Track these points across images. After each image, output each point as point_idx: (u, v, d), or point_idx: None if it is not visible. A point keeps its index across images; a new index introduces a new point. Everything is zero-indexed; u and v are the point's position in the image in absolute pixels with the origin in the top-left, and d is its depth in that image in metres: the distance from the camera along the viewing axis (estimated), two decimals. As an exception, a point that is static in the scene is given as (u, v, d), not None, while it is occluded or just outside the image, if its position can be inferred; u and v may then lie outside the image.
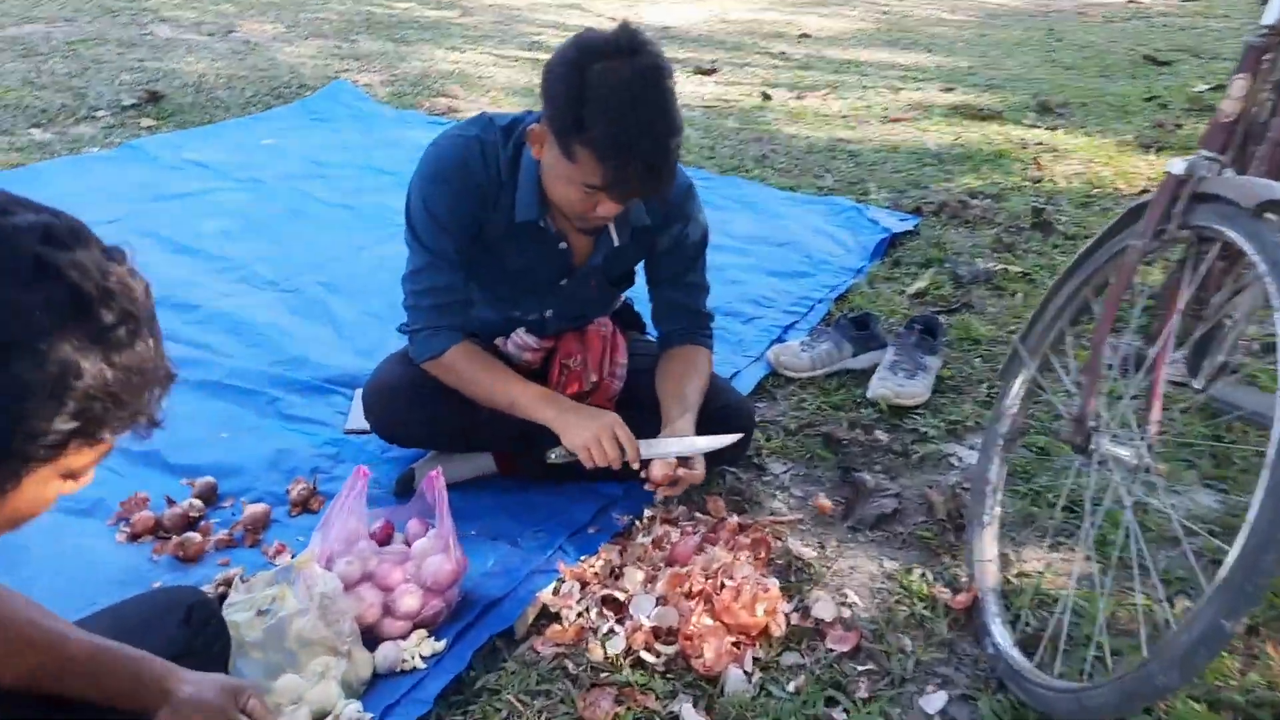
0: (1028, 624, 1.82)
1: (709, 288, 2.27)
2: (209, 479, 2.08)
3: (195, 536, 1.90)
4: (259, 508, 2.01)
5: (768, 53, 6.75)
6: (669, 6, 8.34)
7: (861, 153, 4.63)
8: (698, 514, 2.12)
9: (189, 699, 1.23)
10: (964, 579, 1.96)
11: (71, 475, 0.96)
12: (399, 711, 1.60)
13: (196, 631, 1.46)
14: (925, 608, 1.90)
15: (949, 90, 5.75)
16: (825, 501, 2.19)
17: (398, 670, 1.68)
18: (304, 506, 2.05)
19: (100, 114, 4.38)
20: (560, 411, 1.94)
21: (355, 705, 1.60)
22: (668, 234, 2.12)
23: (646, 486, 1.98)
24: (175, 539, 1.90)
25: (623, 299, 2.43)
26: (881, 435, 2.45)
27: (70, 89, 4.66)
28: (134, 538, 1.93)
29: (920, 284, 3.27)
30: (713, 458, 2.23)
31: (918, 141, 4.74)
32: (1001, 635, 1.78)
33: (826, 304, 3.12)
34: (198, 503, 2.01)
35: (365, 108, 4.71)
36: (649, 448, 1.95)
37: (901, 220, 3.75)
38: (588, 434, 1.90)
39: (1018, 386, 2.01)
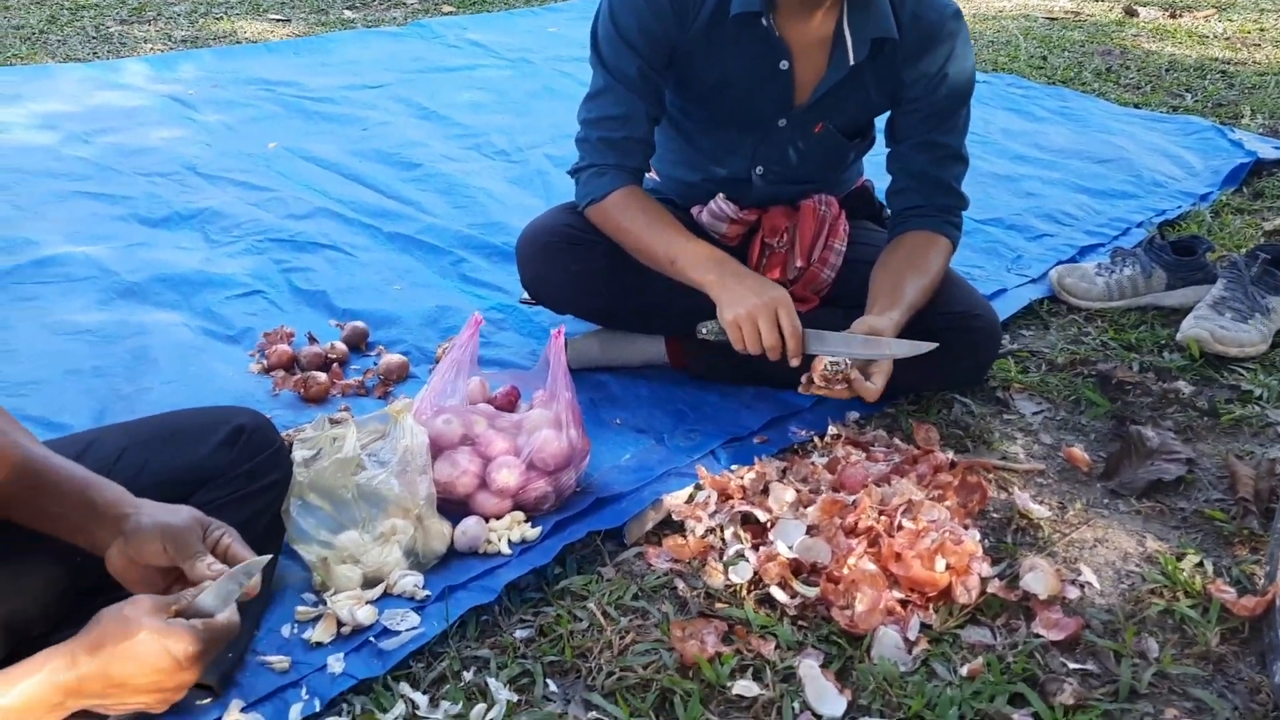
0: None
1: (967, 160, 1.78)
2: (360, 324, 1.91)
3: (320, 376, 1.73)
4: (396, 358, 1.81)
5: (1144, -29, 5.73)
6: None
7: (1240, 73, 3.73)
8: (898, 442, 1.66)
9: (146, 526, 1.00)
10: (1261, 580, 1.37)
11: None
12: (460, 596, 1.32)
13: (242, 456, 1.26)
14: (1193, 606, 1.35)
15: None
16: (1081, 454, 1.65)
17: (478, 551, 1.41)
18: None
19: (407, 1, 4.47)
20: (722, 276, 1.56)
21: (415, 579, 1.34)
22: (920, 67, 1.66)
23: (800, 389, 1.55)
24: (300, 375, 1.75)
25: (860, 179, 1.98)
26: (1184, 387, 1.84)
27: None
28: (267, 370, 1.80)
29: (1285, 219, 2.50)
30: (932, 377, 1.76)
31: (1323, 66, 3.75)
32: (1305, 666, 1.20)
33: (1147, 230, 2.46)
34: (341, 346, 1.85)
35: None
36: (818, 340, 1.52)
37: (1277, 148, 2.93)
38: (744, 309, 1.50)
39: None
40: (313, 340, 1.86)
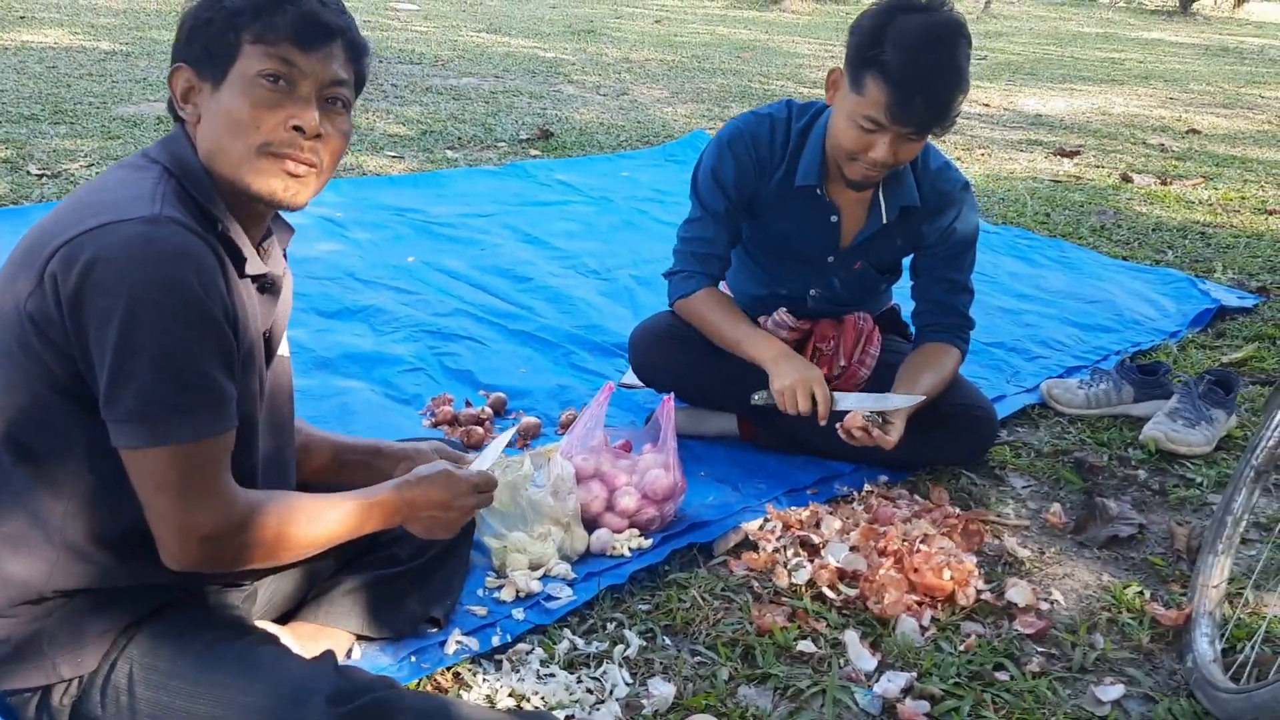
0: (1242, 653, 1.70)
1: (972, 291, 2.33)
2: (502, 394, 2.48)
3: (478, 429, 2.29)
4: (533, 419, 2.37)
5: (1143, 143, 6.45)
6: (1046, 97, 8.20)
7: (1218, 235, 4.34)
8: (918, 498, 2.19)
9: (424, 447, 1.58)
10: (1184, 602, 1.87)
11: (267, 81, 1.19)
12: (598, 580, 1.84)
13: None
14: (1132, 618, 1.84)
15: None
16: (1057, 516, 2.17)
17: (607, 553, 1.93)
18: (567, 428, 2.38)
19: (500, 144, 5.19)
20: (775, 355, 2.11)
21: (565, 566, 1.87)
22: (936, 224, 2.22)
23: (840, 433, 2.07)
24: (464, 428, 2.30)
25: (890, 303, 2.55)
26: (1142, 473, 2.36)
27: (483, 125, 5.56)
28: (436, 424, 2.36)
29: (1239, 354, 3.05)
30: (943, 455, 2.29)
31: (1290, 231, 4.36)
32: (1205, 652, 1.69)
33: (1123, 357, 3.01)
34: (489, 409, 2.41)
35: (718, 156, 5.17)
36: (842, 400, 2.06)
37: (1240, 298, 3.50)
38: (789, 380, 2.05)
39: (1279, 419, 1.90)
40: (468, 405, 2.43)
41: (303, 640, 1.51)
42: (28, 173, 3.97)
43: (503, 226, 3.80)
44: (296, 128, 1.22)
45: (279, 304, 1.38)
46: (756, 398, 2.12)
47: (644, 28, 11.06)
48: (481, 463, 1.54)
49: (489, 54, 8.11)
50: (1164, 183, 5.32)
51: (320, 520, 1.30)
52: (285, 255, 1.43)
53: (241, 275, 1.26)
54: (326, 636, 1.57)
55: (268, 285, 1.33)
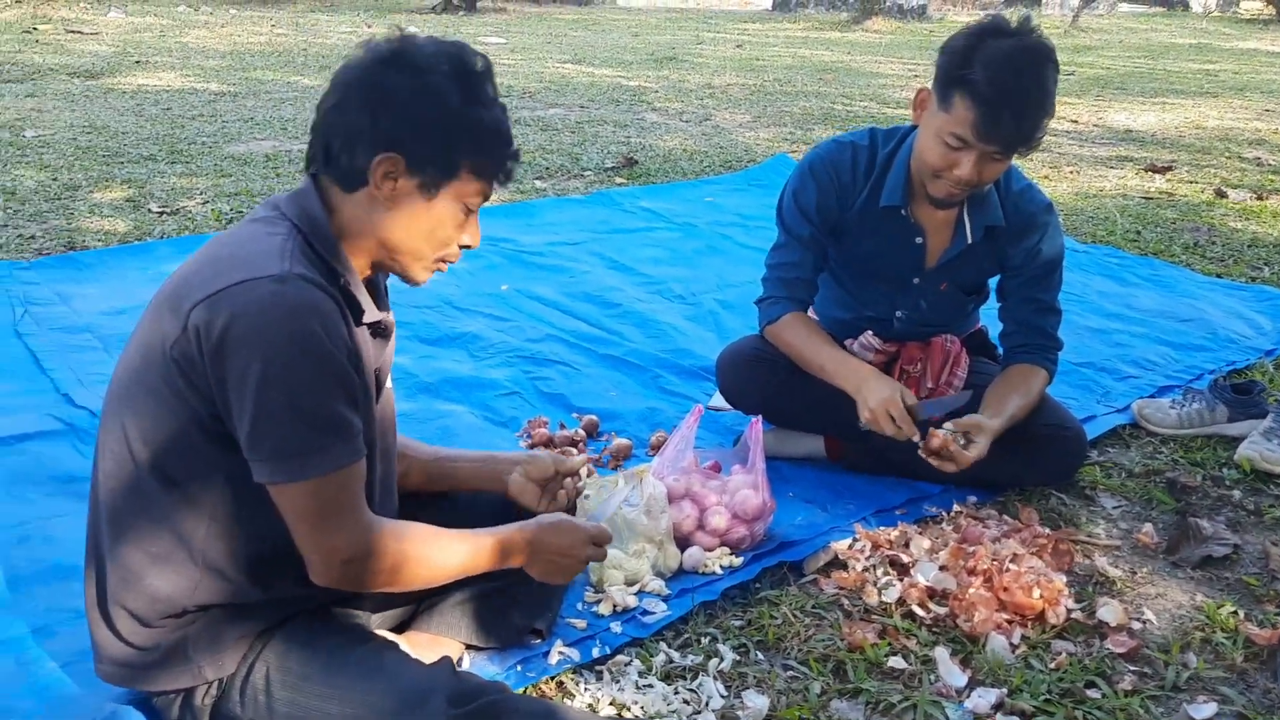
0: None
1: (1060, 311, 2.35)
2: (594, 417, 2.58)
3: (574, 450, 2.39)
4: (624, 441, 2.46)
5: (1238, 157, 6.29)
6: (1137, 112, 8.05)
7: (1319, 251, 4.23)
8: (1007, 518, 2.21)
9: (539, 455, 1.70)
10: (1278, 621, 1.86)
11: (466, 209, 1.39)
12: (692, 596, 1.91)
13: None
14: (1225, 638, 1.84)
15: None
16: (1149, 536, 2.16)
17: (699, 570, 2.00)
18: (657, 450, 2.46)
19: (587, 173, 5.33)
20: (860, 380, 2.15)
21: (659, 583, 1.94)
22: (1020, 245, 2.26)
23: (920, 452, 2.10)
24: (559, 449, 2.40)
25: (977, 325, 2.58)
26: (1236, 493, 2.34)
27: (570, 154, 5.72)
28: (532, 446, 2.46)
29: (1342, 372, 2.98)
30: (1032, 474, 2.31)
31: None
32: (1303, 672, 1.69)
33: (1217, 377, 2.97)
34: (582, 431, 2.51)
35: (800, 180, 5.22)
36: (920, 409, 2.09)
37: (1344, 315, 3.42)
38: (875, 401, 2.08)
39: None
40: (562, 427, 2.53)
41: (417, 649, 1.61)
42: (149, 210, 4.23)
43: (590, 254, 3.92)
44: (465, 246, 1.45)
45: (388, 345, 1.51)
46: (863, 422, 2.14)
47: (725, 53, 11.17)
48: (598, 516, 1.64)
49: (574, 84, 8.30)
50: (1260, 197, 5.19)
51: (451, 552, 1.42)
52: (388, 289, 1.56)
53: (359, 324, 1.38)
54: (439, 645, 1.67)
55: (380, 330, 1.46)
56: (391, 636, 1.60)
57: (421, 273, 1.45)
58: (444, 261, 1.46)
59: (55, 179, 4.61)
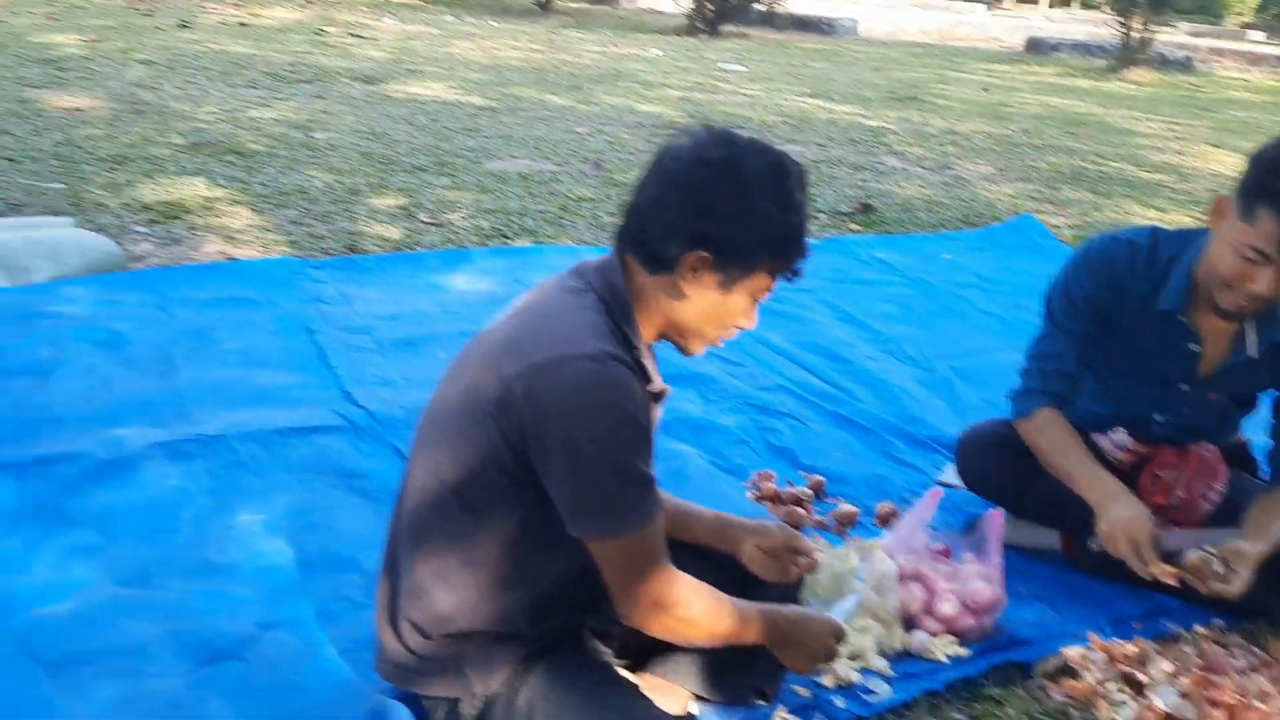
0: None
1: (1341, 438, 2.21)
2: (821, 477, 2.62)
3: (800, 510, 2.44)
4: (851, 508, 2.48)
5: None
6: None
7: None
8: (1255, 650, 2.09)
9: (770, 525, 1.75)
10: None
11: (753, 299, 1.50)
12: (914, 681, 1.93)
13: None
14: None
15: None
16: None
17: (924, 655, 2.00)
18: (885, 522, 2.47)
19: (821, 215, 5.35)
20: (1103, 497, 2.09)
21: (883, 662, 1.97)
22: None
23: (1172, 580, 2.00)
24: (786, 507, 2.46)
25: (1238, 436, 2.45)
26: None
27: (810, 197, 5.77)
28: (759, 499, 2.53)
29: None
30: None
31: None
32: None
33: None
34: (809, 490, 2.55)
35: (1046, 243, 5.04)
36: (1169, 540, 2.01)
37: None
38: (1118, 524, 2.02)
39: None
40: (789, 484, 2.59)
41: (650, 691, 1.71)
42: (419, 220, 4.60)
43: (821, 302, 3.95)
44: (741, 328, 1.54)
45: (659, 408, 1.63)
46: (1093, 544, 2.11)
47: (970, 94, 10.88)
48: (839, 614, 1.70)
49: (812, 120, 8.33)
50: None
51: (731, 617, 1.52)
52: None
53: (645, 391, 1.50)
54: (669, 691, 1.76)
55: (658, 396, 1.57)
56: (632, 678, 1.70)
57: (700, 348, 1.57)
58: (720, 339, 1.56)
59: (341, 182, 5.07)
